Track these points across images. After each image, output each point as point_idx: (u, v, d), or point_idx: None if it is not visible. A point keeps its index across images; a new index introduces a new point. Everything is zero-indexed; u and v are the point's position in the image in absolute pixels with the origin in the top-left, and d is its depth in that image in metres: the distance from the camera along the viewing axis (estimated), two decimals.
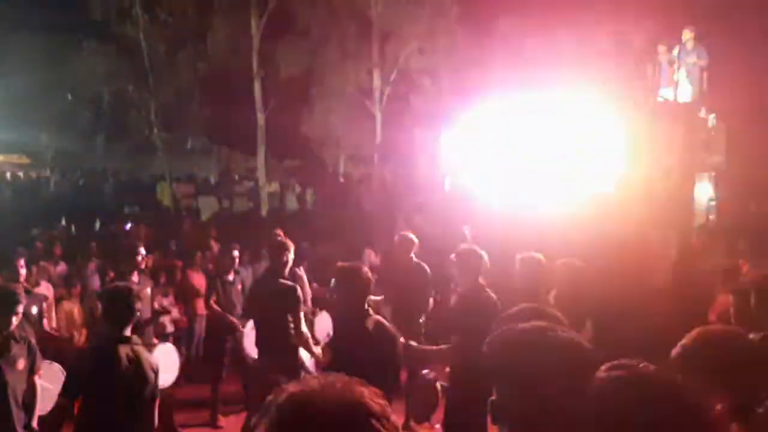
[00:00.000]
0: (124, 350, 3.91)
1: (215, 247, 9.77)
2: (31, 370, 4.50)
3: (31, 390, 4.48)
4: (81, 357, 4.45)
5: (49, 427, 4.15)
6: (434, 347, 5.24)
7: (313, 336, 6.00)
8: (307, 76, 19.00)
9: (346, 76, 18.72)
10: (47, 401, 4.46)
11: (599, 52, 12.03)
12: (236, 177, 23.60)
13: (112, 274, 7.71)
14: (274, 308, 5.50)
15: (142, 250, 6.61)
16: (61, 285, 8.45)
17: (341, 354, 4.13)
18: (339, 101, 18.90)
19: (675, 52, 11.19)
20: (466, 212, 11.59)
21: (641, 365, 1.46)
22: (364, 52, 18.76)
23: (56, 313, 7.42)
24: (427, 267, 7.06)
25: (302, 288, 6.59)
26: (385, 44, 18.60)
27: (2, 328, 4.30)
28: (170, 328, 8.40)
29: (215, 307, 7.30)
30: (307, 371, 5.51)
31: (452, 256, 5.15)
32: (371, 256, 10.79)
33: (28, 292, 5.51)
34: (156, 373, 4.09)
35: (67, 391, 3.94)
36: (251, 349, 6.01)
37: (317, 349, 5.49)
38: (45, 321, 6.37)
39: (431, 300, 7.14)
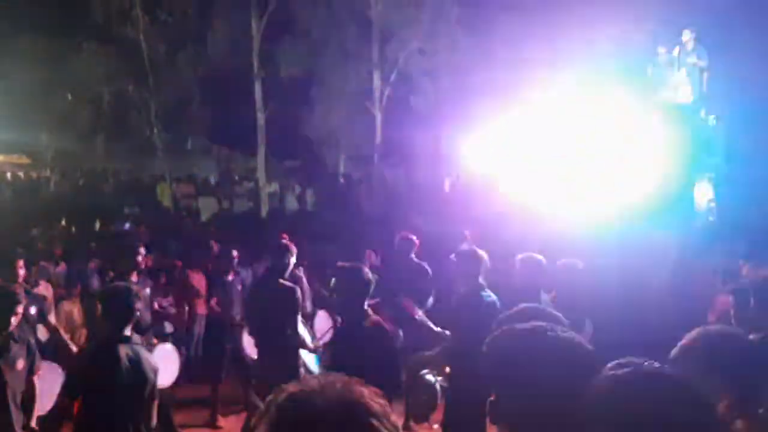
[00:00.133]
0: (123, 350, 3.91)
1: (215, 247, 9.75)
2: (31, 370, 4.50)
3: (30, 390, 4.48)
4: (81, 357, 4.44)
5: (48, 427, 4.15)
6: (433, 351, 5.25)
7: (312, 336, 6.01)
8: (307, 76, 19.01)
9: (346, 76, 18.72)
10: (47, 401, 4.47)
11: (599, 52, 12.02)
12: (236, 177, 23.59)
13: (112, 275, 7.71)
14: (274, 309, 5.51)
15: (142, 250, 6.62)
16: (61, 285, 8.44)
17: (341, 354, 4.14)
18: (339, 102, 18.89)
19: (675, 52, 11.20)
20: (466, 212, 11.60)
21: (647, 362, 1.46)
22: (364, 52, 18.76)
23: (56, 314, 7.42)
24: (428, 267, 7.06)
25: (302, 288, 6.61)
26: (386, 45, 18.60)
27: (2, 328, 4.30)
28: (170, 329, 8.39)
29: (215, 307, 7.30)
30: (308, 371, 5.52)
31: (452, 256, 5.16)
32: (371, 257, 10.79)
33: (27, 292, 5.51)
34: (156, 373, 4.09)
35: (66, 391, 3.94)
36: (251, 349, 6.02)
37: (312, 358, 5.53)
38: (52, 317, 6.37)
39: (431, 300, 7.14)
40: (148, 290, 6.79)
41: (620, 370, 1.45)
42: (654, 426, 1.35)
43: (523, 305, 2.46)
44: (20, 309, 4.41)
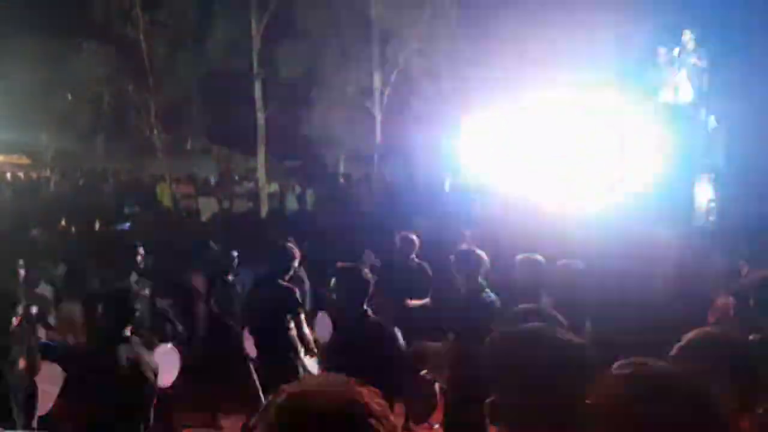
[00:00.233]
0: (123, 351, 3.91)
1: (215, 247, 9.74)
2: (31, 370, 4.50)
3: (30, 391, 4.48)
4: (80, 358, 4.45)
5: (48, 428, 4.15)
6: (435, 345, 5.25)
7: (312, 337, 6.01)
8: (307, 76, 19.00)
9: (346, 76, 18.72)
10: (47, 402, 4.47)
11: (599, 53, 12.02)
12: (236, 177, 23.59)
13: (111, 275, 7.71)
14: (273, 309, 5.52)
15: (142, 251, 6.62)
16: (61, 285, 8.44)
17: (341, 354, 4.14)
18: (339, 102, 18.88)
19: (675, 53, 11.20)
20: (466, 213, 11.60)
21: (652, 362, 1.46)
22: (364, 52, 18.76)
23: (55, 314, 7.42)
24: (428, 267, 7.06)
25: (303, 289, 6.62)
26: (386, 45, 18.59)
27: (2, 328, 4.30)
28: (170, 329, 8.38)
29: (215, 307, 7.30)
30: (307, 371, 5.52)
31: (452, 256, 5.16)
32: (371, 257, 10.78)
33: (27, 292, 5.51)
34: (155, 373, 4.09)
35: (66, 392, 3.94)
36: (251, 349, 6.03)
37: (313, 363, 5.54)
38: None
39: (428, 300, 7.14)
40: (147, 290, 6.79)
41: (626, 369, 1.45)
42: (660, 425, 1.35)
43: (522, 306, 2.47)
44: (20, 309, 4.41)
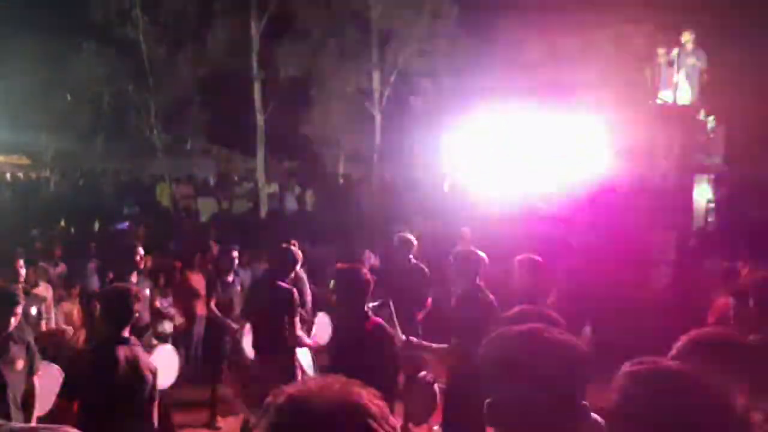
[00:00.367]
0: (122, 351, 3.91)
1: (214, 248, 9.75)
2: (30, 370, 4.50)
3: (30, 390, 4.48)
4: (79, 358, 4.44)
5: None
6: (433, 344, 5.24)
7: (312, 337, 6.02)
8: (306, 76, 19.00)
9: (345, 77, 18.72)
10: (46, 402, 4.47)
11: (598, 54, 12.04)
12: (236, 178, 23.59)
13: (111, 275, 7.72)
14: (272, 310, 5.52)
15: (141, 251, 6.62)
16: (61, 286, 8.44)
17: (340, 356, 4.14)
18: (339, 102, 18.89)
19: (674, 54, 11.21)
20: (465, 213, 11.59)
21: (664, 360, 1.47)
22: (363, 53, 18.77)
23: (55, 314, 7.42)
24: (425, 268, 7.06)
25: (303, 289, 6.62)
26: (385, 45, 18.60)
27: (1, 328, 4.29)
28: (169, 329, 8.40)
29: (214, 308, 7.30)
30: (305, 372, 5.52)
31: (450, 257, 5.16)
32: (371, 258, 10.79)
33: (27, 292, 5.51)
34: (154, 374, 4.09)
35: (65, 392, 3.94)
36: (249, 350, 6.03)
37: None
38: (43, 323, 6.36)
39: (429, 300, 7.14)
40: (147, 291, 6.78)
41: (640, 366, 1.45)
42: (673, 423, 1.35)
43: (521, 307, 2.46)
44: (20, 309, 4.41)
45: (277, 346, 5.48)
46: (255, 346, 5.80)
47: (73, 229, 15.66)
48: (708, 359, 2.05)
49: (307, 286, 7.41)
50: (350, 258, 7.72)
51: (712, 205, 10.48)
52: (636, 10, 11.66)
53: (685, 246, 8.39)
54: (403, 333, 4.95)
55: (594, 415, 1.91)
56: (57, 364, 4.95)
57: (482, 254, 5.02)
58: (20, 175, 22.62)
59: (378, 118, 18.84)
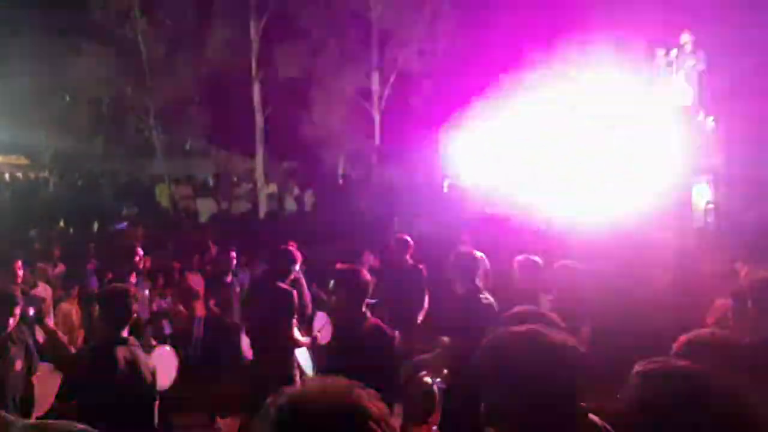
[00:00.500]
0: (121, 352, 3.90)
1: (213, 248, 9.75)
2: (29, 371, 4.49)
3: (28, 391, 4.47)
4: (78, 358, 4.44)
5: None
6: (431, 354, 5.24)
7: (311, 337, 6.01)
8: (306, 77, 19.02)
9: (345, 77, 18.74)
10: (44, 403, 4.46)
11: (598, 55, 12.04)
12: (235, 178, 23.58)
13: (110, 276, 7.71)
14: (270, 310, 5.52)
15: (140, 251, 6.62)
16: (59, 286, 8.43)
17: (339, 356, 4.13)
18: (338, 103, 18.90)
19: (673, 55, 11.22)
20: (464, 214, 11.60)
21: (676, 360, 1.47)
22: (363, 53, 18.78)
23: (54, 315, 7.41)
24: (423, 269, 7.06)
25: (302, 290, 6.61)
26: (385, 46, 18.61)
27: (0, 329, 4.29)
28: (168, 330, 8.39)
29: (214, 309, 7.30)
30: (304, 373, 5.52)
31: (450, 258, 5.16)
32: (370, 259, 10.78)
33: (25, 293, 5.50)
34: (153, 374, 4.08)
35: (64, 392, 3.93)
36: (248, 350, 6.03)
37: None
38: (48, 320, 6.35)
39: (426, 301, 7.14)
40: (146, 292, 6.79)
41: (654, 365, 1.46)
42: (687, 423, 1.35)
43: (520, 308, 2.46)
44: (18, 310, 4.40)
45: (276, 346, 5.48)
46: (254, 346, 5.80)
47: (72, 230, 15.66)
48: (706, 360, 2.05)
49: (305, 286, 7.42)
50: (349, 258, 7.72)
51: (711, 206, 10.48)
52: (635, 11, 11.67)
53: (684, 247, 8.39)
54: (400, 334, 4.95)
55: (591, 416, 1.91)
56: (55, 365, 4.94)
57: (481, 255, 5.02)
58: (19, 175, 22.61)
59: (377, 118, 18.85)
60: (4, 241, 9.26)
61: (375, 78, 18.74)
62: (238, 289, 7.47)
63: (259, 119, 19.10)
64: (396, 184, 18.18)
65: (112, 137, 21.20)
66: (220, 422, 7.14)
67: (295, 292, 5.60)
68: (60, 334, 6.18)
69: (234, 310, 7.28)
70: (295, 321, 5.60)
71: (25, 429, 1.58)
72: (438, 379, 5.19)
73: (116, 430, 3.90)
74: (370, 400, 1.14)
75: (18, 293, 4.55)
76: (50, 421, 1.72)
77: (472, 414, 1.66)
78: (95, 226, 16.32)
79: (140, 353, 4.07)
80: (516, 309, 2.43)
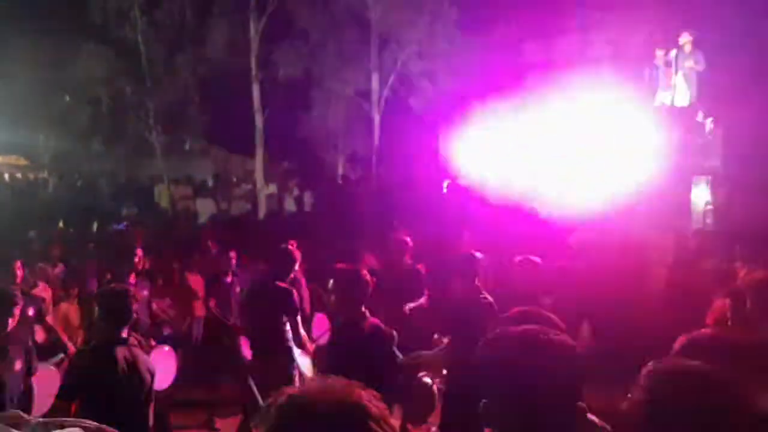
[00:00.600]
0: (121, 352, 3.90)
1: (213, 249, 9.74)
2: (28, 371, 4.49)
3: (27, 391, 4.48)
4: (78, 358, 4.44)
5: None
6: (430, 352, 5.24)
7: (310, 338, 6.02)
8: (305, 78, 19.02)
9: (344, 78, 18.74)
10: (44, 403, 4.46)
11: (597, 56, 12.06)
12: (234, 179, 23.58)
13: (109, 276, 7.71)
14: (270, 310, 5.52)
15: (140, 252, 6.62)
16: (59, 286, 8.42)
17: (339, 356, 4.14)
18: (337, 104, 18.92)
19: (672, 55, 11.23)
20: (463, 215, 11.60)
21: (689, 361, 1.47)
22: (362, 54, 18.78)
23: (53, 315, 7.40)
24: (422, 270, 7.06)
25: (300, 291, 6.61)
26: (384, 47, 18.62)
27: (0, 329, 4.29)
28: (168, 330, 8.38)
29: (213, 309, 7.30)
30: (303, 373, 5.52)
31: (449, 258, 5.17)
32: (370, 259, 10.77)
33: (25, 293, 5.50)
34: (152, 374, 4.08)
35: (63, 392, 3.93)
36: (247, 351, 6.03)
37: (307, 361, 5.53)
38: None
39: (424, 298, 7.13)
40: (145, 292, 6.79)
41: (665, 364, 1.46)
42: (697, 422, 1.36)
43: (519, 308, 2.46)
44: (17, 310, 4.41)
45: (276, 347, 5.48)
46: (253, 347, 5.80)
47: (71, 230, 15.65)
48: (706, 360, 2.05)
49: (304, 287, 7.42)
50: (349, 259, 7.71)
51: (710, 206, 10.49)
52: (634, 13, 11.68)
53: (684, 247, 8.39)
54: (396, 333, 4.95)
55: (591, 417, 1.91)
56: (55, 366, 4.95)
57: (481, 255, 5.03)
58: (18, 175, 22.60)
59: (377, 119, 18.85)
60: (3, 242, 9.26)
61: (374, 79, 18.74)
62: (238, 289, 7.47)
63: (258, 120, 19.10)
64: (396, 184, 18.18)
65: (111, 137, 21.19)
66: (219, 423, 7.14)
67: (295, 292, 5.61)
68: (61, 332, 6.20)
69: (234, 310, 7.27)
70: (296, 320, 5.60)
71: (38, 426, 1.59)
72: (438, 379, 5.20)
73: (116, 429, 3.91)
74: (371, 400, 1.14)
75: (18, 293, 4.56)
76: (62, 419, 1.73)
77: (472, 414, 1.67)
78: (95, 226, 16.31)
79: (140, 354, 4.07)
80: (515, 309, 2.43)
